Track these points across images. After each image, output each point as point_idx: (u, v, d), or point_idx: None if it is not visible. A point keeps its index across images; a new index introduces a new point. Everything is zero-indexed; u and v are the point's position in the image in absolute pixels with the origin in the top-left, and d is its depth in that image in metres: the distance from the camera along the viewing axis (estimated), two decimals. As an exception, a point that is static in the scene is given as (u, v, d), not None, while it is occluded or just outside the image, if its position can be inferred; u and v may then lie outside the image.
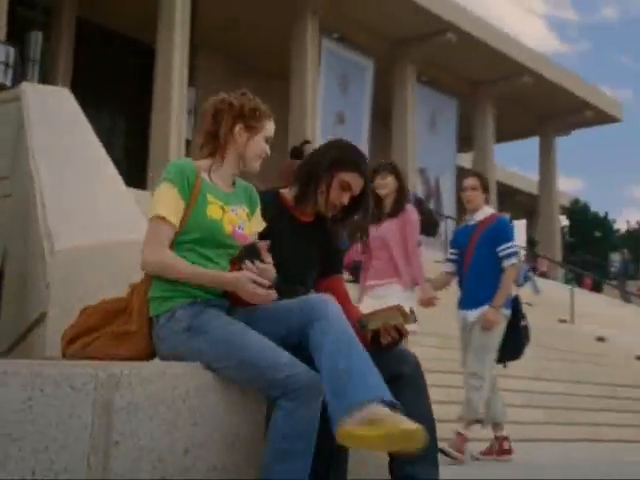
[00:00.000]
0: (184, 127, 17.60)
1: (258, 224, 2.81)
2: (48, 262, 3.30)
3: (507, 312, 5.69)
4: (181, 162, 2.64)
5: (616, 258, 28.50)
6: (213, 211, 2.59)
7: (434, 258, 15.87)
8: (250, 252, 2.55)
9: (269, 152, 2.78)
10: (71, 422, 2.07)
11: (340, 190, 2.94)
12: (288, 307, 2.52)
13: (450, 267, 6.03)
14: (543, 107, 26.43)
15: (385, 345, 2.82)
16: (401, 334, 2.84)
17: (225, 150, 2.70)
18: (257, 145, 2.72)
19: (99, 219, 3.78)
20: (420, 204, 10.29)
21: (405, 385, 2.81)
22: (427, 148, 22.80)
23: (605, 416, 9.77)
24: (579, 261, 29.54)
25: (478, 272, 5.68)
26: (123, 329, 2.55)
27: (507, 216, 6.24)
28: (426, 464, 2.78)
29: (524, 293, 16.47)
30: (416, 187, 20.69)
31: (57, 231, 3.45)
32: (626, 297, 23.21)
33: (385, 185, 5.57)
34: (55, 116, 5.70)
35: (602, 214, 40.36)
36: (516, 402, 8.82)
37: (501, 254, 5.62)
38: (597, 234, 38.65)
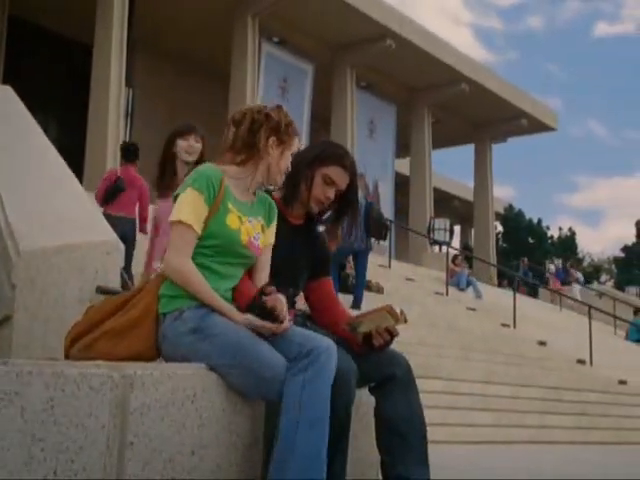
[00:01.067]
0: (121, 128, 17.29)
1: (272, 236, 2.81)
2: (14, 263, 3.23)
3: None
4: (208, 170, 2.62)
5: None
6: (232, 220, 2.61)
7: (378, 262, 15.89)
8: (262, 312, 2.48)
9: (290, 168, 2.80)
10: (89, 422, 2.09)
11: (324, 185, 2.95)
12: (290, 338, 2.47)
13: None
14: (480, 115, 26.82)
15: (377, 347, 2.84)
16: (392, 335, 2.83)
17: (259, 161, 2.70)
18: (286, 160, 2.75)
19: (63, 220, 3.71)
20: (371, 207, 10.29)
21: (396, 386, 2.85)
22: (366, 153, 22.86)
23: (553, 419, 9.92)
24: (516, 266, 30.07)
25: None
26: (122, 322, 2.52)
27: None
28: (418, 464, 2.82)
29: (467, 298, 16.73)
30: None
31: (21, 232, 3.37)
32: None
33: (197, 150, 4.42)
34: (4, 116, 5.48)
35: (536, 221, 41.13)
36: (466, 405, 8.89)
37: None
38: (531, 240, 39.40)
